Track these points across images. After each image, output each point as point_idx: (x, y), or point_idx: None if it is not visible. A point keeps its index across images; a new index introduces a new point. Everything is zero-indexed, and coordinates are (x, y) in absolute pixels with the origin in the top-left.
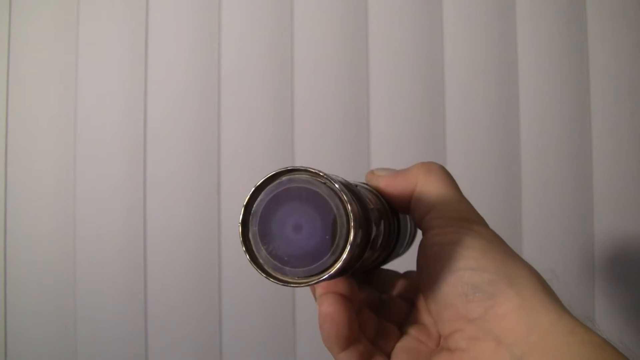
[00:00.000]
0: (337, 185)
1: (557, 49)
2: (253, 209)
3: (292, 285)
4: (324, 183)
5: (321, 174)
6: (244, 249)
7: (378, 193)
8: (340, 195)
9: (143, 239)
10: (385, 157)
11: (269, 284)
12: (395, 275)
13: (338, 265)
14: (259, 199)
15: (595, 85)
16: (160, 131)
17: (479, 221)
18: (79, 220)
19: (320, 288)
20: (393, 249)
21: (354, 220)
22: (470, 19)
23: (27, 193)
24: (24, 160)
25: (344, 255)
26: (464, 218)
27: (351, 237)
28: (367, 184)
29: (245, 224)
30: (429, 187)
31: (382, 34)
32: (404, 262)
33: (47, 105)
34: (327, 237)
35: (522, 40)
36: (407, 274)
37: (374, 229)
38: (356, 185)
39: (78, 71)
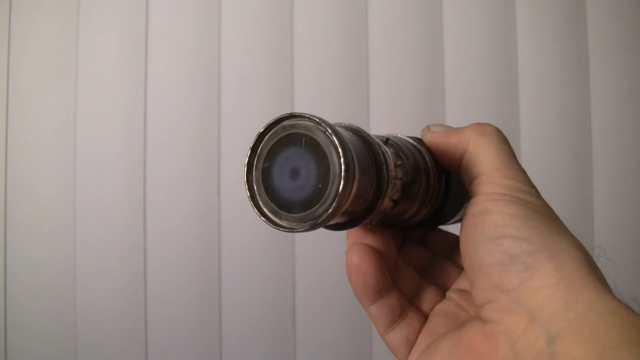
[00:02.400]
0: (334, 136)
1: (557, 49)
2: (259, 151)
3: (282, 229)
4: (323, 132)
5: (321, 122)
6: (246, 188)
7: (427, 149)
8: (335, 144)
9: (143, 239)
10: None
11: (269, 284)
12: (452, 238)
13: (325, 215)
14: (263, 143)
15: (595, 85)
16: (160, 132)
17: (529, 190)
18: (80, 221)
19: (350, 239)
20: (440, 208)
21: (346, 172)
22: (470, 20)
23: (28, 194)
24: (24, 161)
25: (332, 207)
26: (512, 186)
27: (340, 189)
28: (419, 140)
29: (250, 165)
30: (481, 150)
31: (382, 34)
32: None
33: (47, 106)
34: (320, 185)
35: (522, 40)
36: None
37: (398, 183)
38: (387, 140)
39: (78, 71)
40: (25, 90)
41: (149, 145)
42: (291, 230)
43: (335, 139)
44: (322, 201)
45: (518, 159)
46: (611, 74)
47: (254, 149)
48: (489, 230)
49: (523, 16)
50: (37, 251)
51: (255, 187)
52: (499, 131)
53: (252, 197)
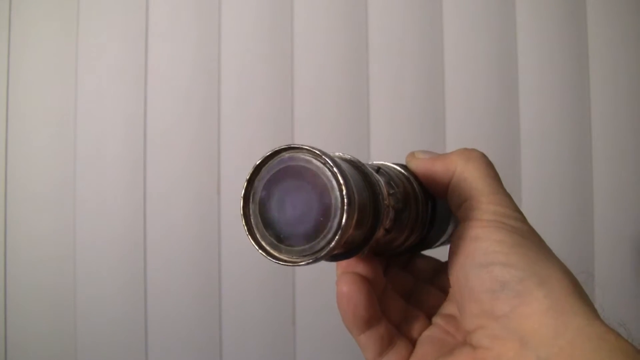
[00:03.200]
0: (335, 168)
1: (557, 49)
2: (255, 183)
3: (284, 263)
4: (323, 164)
5: (321, 154)
6: (243, 222)
7: (414, 176)
8: (337, 177)
9: (143, 239)
10: (386, 158)
11: (269, 283)
12: (435, 263)
13: (328, 248)
14: (259, 175)
15: (595, 85)
16: (160, 132)
17: (516, 216)
18: (80, 220)
19: (340, 268)
20: (427, 234)
21: (348, 204)
22: (470, 19)
23: (28, 194)
24: (24, 161)
25: (335, 240)
26: (499, 212)
27: (343, 222)
28: (404, 166)
29: (246, 199)
30: (467, 176)
31: (382, 34)
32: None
33: (47, 106)
34: (321, 218)
35: (522, 40)
36: (447, 264)
37: (391, 213)
38: (378, 168)
39: (78, 72)
40: (25, 90)
41: (149, 145)
42: (293, 264)
43: (336, 170)
44: (323, 234)
45: (518, 160)
46: (611, 74)
47: (250, 181)
48: (478, 257)
49: (523, 16)
50: (37, 251)
51: (252, 220)
52: (484, 156)
53: (250, 231)
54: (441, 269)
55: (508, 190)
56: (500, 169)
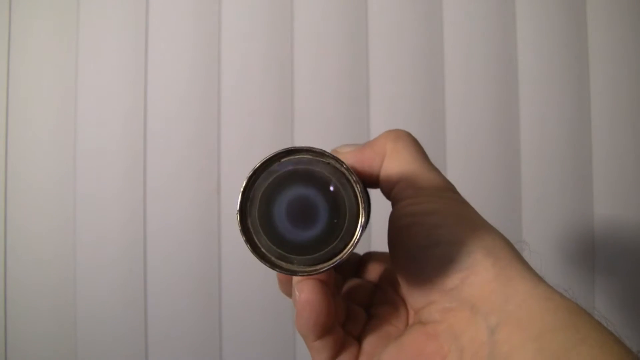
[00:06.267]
0: (344, 165)
1: (557, 49)
2: (251, 194)
3: (300, 274)
4: (328, 163)
5: (326, 153)
6: (244, 238)
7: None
8: (348, 175)
9: (143, 239)
10: None
11: (269, 284)
12: (355, 257)
13: (349, 249)
14: (257, 184)
15: (595, 85)
16: (160, 131)
17: (450, 188)
18: (79, 220)
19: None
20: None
21: (364, 202)
22: (470, 20)
23: (28, 193)
24: (23, 159)
25: (355, 239)
26: (435, 186)
27: (362, 220)
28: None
29: (243, 211)
30: (398, 156)
31: (382, 34)
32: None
33: (47, 104)
34: (335, 220)
35: (522, 40)
36: (367, 255)
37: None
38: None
39: (78, 71)
40: (25, 89)
41: (148, 144)
42: (310, 273)
43: (344, 167)
44: (341, 237)
45: (518, 159)
46: (611, 73)
47: (245, 192)
48: (422, 236)
49: (523, 16)
50: (36, 251)
51: (254, 234)
52: (411, 135)
53: (255, 249)
54: (362, 261)
55: (508, 189)
56: (500, 168)
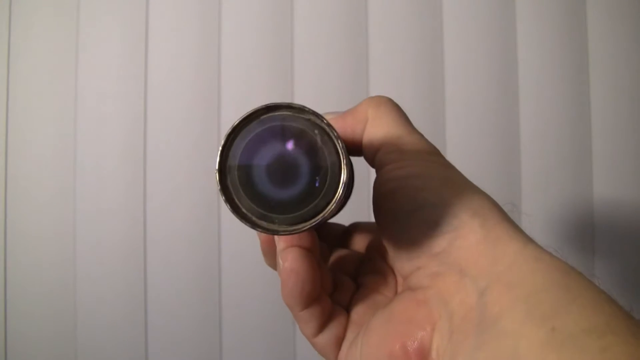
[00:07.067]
0: (324, 120)
1: (557, 49)
2: (231, 153)
3: (281, 233)
4: (308, 119)
5: (306, 109)
6: (223, 198)
7: None
8: (329, 131)
9: (143, 241)
10: None
11: (269, 283)
12: (340, 227)
13: (332, 207)
14: (236, 142)
15: (595, 85)
16: (160, 133)
17: (434, 152)
18: (80, 223)
19: (282, 242)
20: (349, 196)
21: (345, 157)
22: (470, 19)
23: (27, 194)
24: (24, 163)
25: (337, 196)
26: (418, 150)
27: (344, 176)
28: None
29: (222, 170)
30: (380, 121)
31: (382, 34)
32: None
33: (47, 108)
34: (317, 177)
35: (522, 40)
36: (353, 225)
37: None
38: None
39: (78, 72)
40: (25, 90)
41: (149, 146)
42: (292, 232)
43: (325, 122)
44: (322, 194)
45: (518, 158)
46: (611, 73)
47: (223, 151)
48: (408, 200)
49: (523, 16)
50: (37, 253)
51: (233, 194)
52: (392, 100)
53: (235, 209)
54: (348, 231)
55: (508, 190)
56: (500, 168)
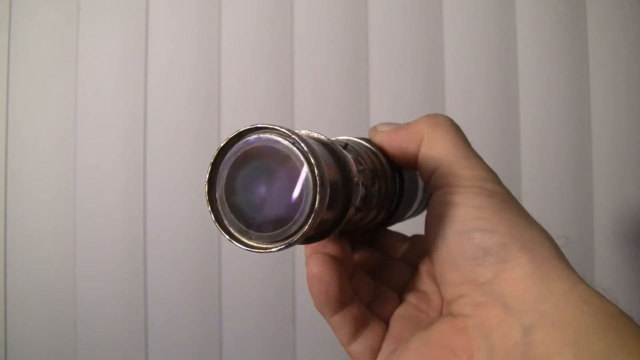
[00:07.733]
0: (305, 147)
1: (557, 49)
2: (220, 167)
3: (256, 250)
4: (292, 143)
5: (290, 133)
6: (209, 208)
7: (379, 150)
8: (308, 157)
9: (143, 242)
10: None
11: (269, 283)
12: (401, 238)
13: (301, 232)
14: (225, 158)
15: (595, 85)
16: (160, 134)
17: (492, 178)
18: (80, 222)
19: (308, 249)
20: (395, 209)
21: (320, 186)
22: (470, 19)
23: (28, 194)
24: (24, 162)
25: (308, 223)
26: (475, 176)
27: (317, 204)
28: (368, 140)
29: (212, 183)
30: (436, 142)
31: (382, 35)
32: (416, 224)
33: (47, 107)
34: (292, 202)
35: (522, 40)
36: (415, 238)
37: (361, 190)
38: (345, 145)
39: (78, 72)
40: (25, 90)
41: (149, 147)
42: (264, 250)
43: (307, 150)
44: (295, 218)
45: (518, 158)
46: (611, 74)
47: (215, 164)
48: (458, 224)
49: (523, 16)
50: (37, 253)
51: (219, 206)
52: (451, 120)
53: (217, 217)
54: (408, 244)
55: (507, 187)
56: (501, 168)
